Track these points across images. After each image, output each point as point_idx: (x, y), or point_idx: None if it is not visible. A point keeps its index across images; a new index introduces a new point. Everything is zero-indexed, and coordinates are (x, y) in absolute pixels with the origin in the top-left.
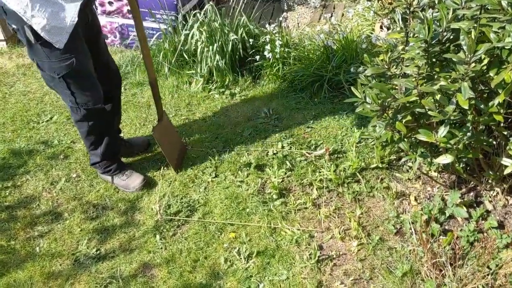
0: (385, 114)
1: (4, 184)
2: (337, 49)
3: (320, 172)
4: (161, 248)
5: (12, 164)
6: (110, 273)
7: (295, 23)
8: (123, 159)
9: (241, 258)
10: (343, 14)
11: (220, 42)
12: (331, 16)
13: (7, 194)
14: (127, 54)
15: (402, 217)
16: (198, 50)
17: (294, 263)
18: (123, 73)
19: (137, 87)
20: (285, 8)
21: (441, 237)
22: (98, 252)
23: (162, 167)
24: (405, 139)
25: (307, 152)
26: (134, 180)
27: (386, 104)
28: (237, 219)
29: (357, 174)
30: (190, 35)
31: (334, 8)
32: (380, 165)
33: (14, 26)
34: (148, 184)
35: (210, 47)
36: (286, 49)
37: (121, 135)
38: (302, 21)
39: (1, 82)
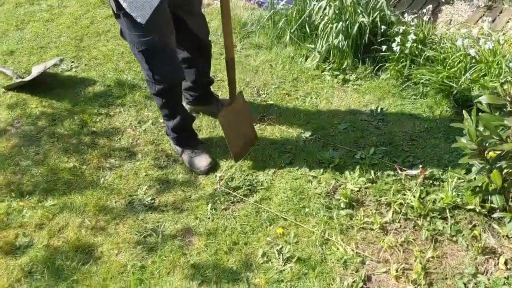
0: (483, 156)
1: (99, 110)
2: (479, 61)
3: (404, 195)
4: (209, 218)
5: (113, 93)
6: (154, 225)
7: (447, 18)
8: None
9: (279, 258)
10: (508, 21)
11: (347, 22)
12: (493, 21)
13: (98, 120)
14: (256, 13)
15: (480, 278)
16: (321, 25)
17: (331, 285)
18: (246, 31)
19: (254, 49)
20: (443, 0)
21: None
22: (152, 201)
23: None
24: (500, 193)
25: (399, 168)
26: (200, 161)
27: (486, 145)
28: (292, 216)
29: (447, 210)
30: (318, 6)
31: (500, 12)
32: (478, 209)
33: None
34: (214, 169)
35: (335, 24)
36: (420, 46)
37: (217, 95)
38: (457, 18)
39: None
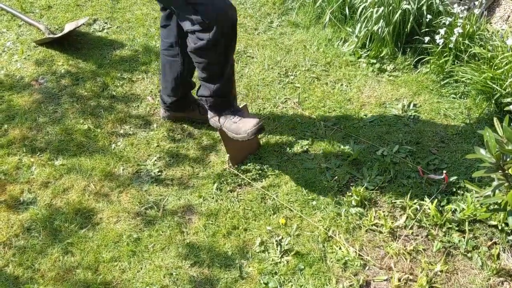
0: (503, 172)
1: (123, 74)
2: None
3: (422, 200)
4: (213, 198)
5: (139, 59)
6: (157, 198)
7: (506, 14)
8: None
9: (277, 250)
10: None
11: (390, 7)
12: None
13: (120, 84)
14: None
15: None
16: (360, 8)
17: (326, 286)
18: (285, 7)
19: (291, 27)
20: None
21: None
22: (159, 173)
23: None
24: None
25: (422, 170)
26: (246, 123)
27: (507, 160)
28: (298, 207)
29: (466, 223)
30: None
31: None
32: (501, 226)
33: None
34: (263, 130)
35: (376, 8)
36: (466, 41)
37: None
38: None
39: None
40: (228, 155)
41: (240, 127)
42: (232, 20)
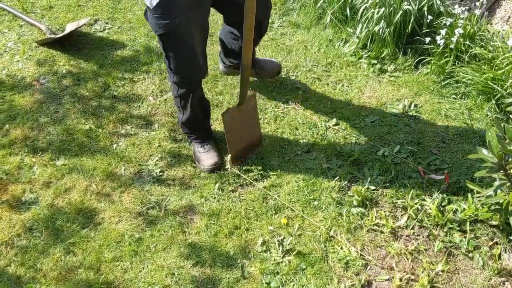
0: (505, 172)
1: (124, 74)
2: None
3: (423, 200)
4: (214, 198)
5: (141, 59)
6: (158, 198)
7: (506, 15)
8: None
9: (279, 249)
10: None
11: (391, 8)
12: None
13: (121, 85)
14: None
15: None
16: (362, 8)
17: (328, 285)
18: (286, 8)
19: (292, 27)
20: None
21: None
22: (161, 173)
23: (262, 119)
24: None
25: (423, 171)
26: (207, 159)
27: (509, 160)
28: (300, 207)
29: (467, 223)
30: None
31: None
32: (502, 226)
33: None
34: (219, 169)
35: (377, 9)
36: (467, 42)
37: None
38: None
39: None
40: (229, 155)
41: (201, 159)
42: (198, 79)
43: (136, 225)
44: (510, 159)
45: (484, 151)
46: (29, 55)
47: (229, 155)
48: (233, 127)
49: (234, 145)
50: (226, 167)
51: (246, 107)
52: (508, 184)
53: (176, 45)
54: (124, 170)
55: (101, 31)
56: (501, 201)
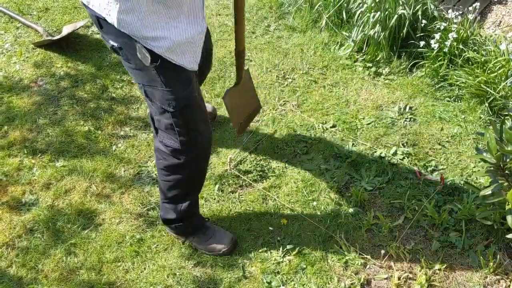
0: (502, 172)
1: (122, 76)
2: None
3: (420, 201)
4: (214, 199)
5: None
6: (158, 199)
7: (497, 19)
8: None
9: (279, 249)
10: None
11: (386, 12)
12: None
13: (119, 87)
14: None
15: None
16: (358, 12)
17: (328, 284)
18: (282, 12)
19: (288, 31)
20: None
21: None
22: None
23: (259, 122)
24: None
25: (419, 172)
26: (220, 240)
27: (507, 160)
28: (299, 207)
29: (463, 223)
30: None
31: None
32: (497, 226)
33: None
34: (237, 244)
35: (373, 13)
36: (460, 46)
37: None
38: (507, 20)
39: None
40: (234, 127)
41: (215, 246)
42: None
43: (136, 226)
44: (508, 160)
45: (483, 152)
46: (26, 57)
47: (234, 127)
48: (234, 105)
49: (237, 119)
50: (225, 168)
51: (243, 83)
52: (506, 184)
53: (197, 109)
54: (124, 171)
55: (98, 33)
56: (497, 201)
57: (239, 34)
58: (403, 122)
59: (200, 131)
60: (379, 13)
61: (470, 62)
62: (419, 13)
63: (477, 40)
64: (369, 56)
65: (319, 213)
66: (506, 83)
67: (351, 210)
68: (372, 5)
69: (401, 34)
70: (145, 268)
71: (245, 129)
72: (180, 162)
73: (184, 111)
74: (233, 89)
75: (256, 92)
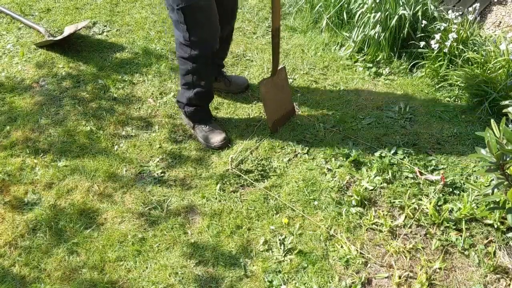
0: (502, 171)
1: (123, 77)
2: None
3: (420, 200)
4: (216, 199)
5: (140, 61)
6: (160, 199)
7: (497, 20)
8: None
9: (280, 248)
10: None
11: (387, 13)
12: None
13: (121, 87)
14: None
15: None
16: (358, 13)
17: (329, 283)
18: (283, 12)
19: (288, 31)
20: (495, 0)
21: None
22: (162, 174)
23: (261, 122)
24: None
25: (419, 171)
26: (215, 136)
27: (507, 159)
28: (300, 207)
29: (463, 222)
30: None
31: None
32: (497, 225)
33: None
34: (228, 145)
35: (373, 14)
36: (460, 46)
37: (224, 70)
38: (507, 21)
39: None
40: (268, 124)
41: (210, 137)
42: (217, 47)
43: (138, 225)
44: (507, 159)
45: (483, 151)
46: (28, 57)
47: (268, 123)
48: (269, 97)
49: (272, 115)
50: (227, 168)
51: (278, 78)
52: (506, 182)
53: (200, 12)
54: (126, 171)
55: (99, 34)
56: (498, 200)
57: (275, 10)
58: (403, 122)
59: (200, 33)
60: (379, 13)
61: (470, 62)
62: (419, 13)
63: (477, 41)
64: (370, 57)
65: (320, 212)
66: (506, 83)
67: (352, 209)
68: (373, 5)
69: (402, 35)
70: (147, 267)
71: (278, 128)
72: (186, 56)
73: (186, 9)
74: (269, 80)
75: (291, 97)
